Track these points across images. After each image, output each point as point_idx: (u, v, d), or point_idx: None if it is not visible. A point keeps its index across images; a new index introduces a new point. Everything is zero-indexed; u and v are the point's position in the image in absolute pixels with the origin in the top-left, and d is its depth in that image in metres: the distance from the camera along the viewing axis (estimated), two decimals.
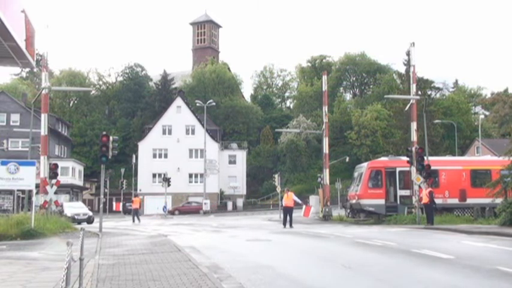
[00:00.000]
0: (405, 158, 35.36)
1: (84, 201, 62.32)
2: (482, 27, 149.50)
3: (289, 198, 27.30)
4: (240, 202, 67.06)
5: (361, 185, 31.70)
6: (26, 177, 19.96)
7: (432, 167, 31.74)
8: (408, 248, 14.28)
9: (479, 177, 32.22)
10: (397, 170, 31.38)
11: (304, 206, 41.26)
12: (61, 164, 46.32)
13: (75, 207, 38.64)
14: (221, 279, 9.64)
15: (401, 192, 31.03)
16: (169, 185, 52.05)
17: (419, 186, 26.84)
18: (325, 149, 38.53)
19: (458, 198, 30.90)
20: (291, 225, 26.45)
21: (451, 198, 30.97)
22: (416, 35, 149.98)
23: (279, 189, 44.15)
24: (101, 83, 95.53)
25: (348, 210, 34.22)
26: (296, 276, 10.03)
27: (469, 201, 30.94)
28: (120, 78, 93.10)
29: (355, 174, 34.20)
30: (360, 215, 32.18)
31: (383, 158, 35.62)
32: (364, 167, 32.88)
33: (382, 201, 30.51)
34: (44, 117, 27.07)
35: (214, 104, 65.10)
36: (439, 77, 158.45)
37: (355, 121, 74.30)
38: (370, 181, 31.41)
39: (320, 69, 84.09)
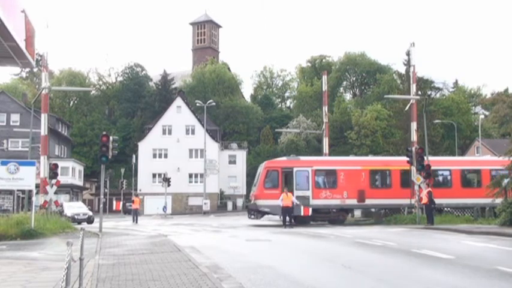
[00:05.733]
0: (304, 158, 34.56)
1: (84, 201, 62.26)
2: (482, 28, 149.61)
3: (288, 198, 27.26)
4: (240, 202, 67.02)
5: (257, 185, 30.80)
6: (26, 177, 19.95)
7: (330, 167, 31.27)
8: (408, 248, 14.27)
9: (378, 178, 31.78)
10: (294, 170, 30.40)
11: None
12: (61, 164, 46.28)
13: (75, 207, 38.66)
14: (221, 279, 9.64)
15: (298, 193, 29.66)
16: (169, 185, 52.04)
17: (419, 187, 26.86)
18: (325, 149, 38.56)
19: (357, 198, 30.19)
20: (290, 226, 26.45)
21: (349, 198, 30.22)
22: (416, 35, 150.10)
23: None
24: (101, 83, 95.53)
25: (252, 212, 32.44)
26: (296, 276, 10.02)
27: (368, 202, 30.49)
28: (120, 78, 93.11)
29: (257, 173, 32.90)
30: (258, 216, 31.29)
31: (282, 158, 34.31)
32: (261, 167, 31.73)
33: (278, 202, 28.78)
34: (44, 117, 27.10)
35: (214, 104, 65.11)
36: (439, 77, 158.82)
37: (355, 121, 74.28)
38: (266, 181, 30.35)
39: (320, 69, 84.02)
